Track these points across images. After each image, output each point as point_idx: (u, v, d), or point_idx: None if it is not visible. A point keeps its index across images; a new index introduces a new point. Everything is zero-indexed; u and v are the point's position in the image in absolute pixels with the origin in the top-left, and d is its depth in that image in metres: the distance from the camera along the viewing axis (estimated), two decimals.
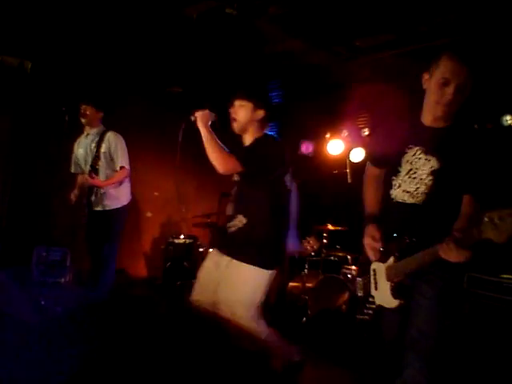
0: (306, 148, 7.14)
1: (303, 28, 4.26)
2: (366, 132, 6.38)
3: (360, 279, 2.69)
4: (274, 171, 2.94)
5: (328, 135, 6.74)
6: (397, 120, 2.57)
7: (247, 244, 2.85)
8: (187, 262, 6.32)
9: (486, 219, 1.81)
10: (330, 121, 6.65)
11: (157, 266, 6.70)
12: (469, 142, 2.29)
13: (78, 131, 6.00)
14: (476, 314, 3.90)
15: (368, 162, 2.74)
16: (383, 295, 2.44)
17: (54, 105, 5.86)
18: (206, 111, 3.25)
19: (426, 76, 2.31)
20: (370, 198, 2.62)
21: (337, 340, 4.26)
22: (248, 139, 3.16)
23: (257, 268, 2.79)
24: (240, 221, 2.95)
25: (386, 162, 2.51)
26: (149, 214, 6.88)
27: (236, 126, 3.19)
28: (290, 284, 5.41)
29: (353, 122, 6.56)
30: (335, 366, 3.91)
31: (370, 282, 2.56)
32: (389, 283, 2.37)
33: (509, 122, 5.02)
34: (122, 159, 4.75)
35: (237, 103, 3.21)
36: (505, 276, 3.92)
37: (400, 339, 2.39)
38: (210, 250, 3.46)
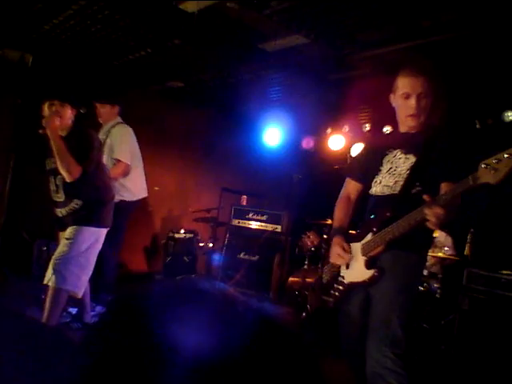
0: (307, 143, 7.15)
1: (304, 23, 4.25)
2: (367, 127, 6.37)
3: (327, 266, 2.83)
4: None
5: (329, 130, 6.75)
6: (378, 133, 2.87)
7: None
8: (187, 257, 6.34)
9: (482, 165, 2.01)
10: (331, 116, 6.65)
11: (157, 260, 6.72)
12: (442, 137, 2.48)
13: (80, 124, 6.00)
14: (475, 310, 3.91)
15: (348, 179, 2.87)
16: (355, 271, 2.55)
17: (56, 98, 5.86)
18: (52, 119, 3.55)
19: (392, 96, 2.61)
20: (341, 214, 2.79)
21: (336, 334, 4.26)
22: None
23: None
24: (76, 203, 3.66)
25: (368, 172, 2.67)
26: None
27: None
28: (290, 279, 5.42)
29: (354, 117, 6.56)
30: (335, 359, 3.91)
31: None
32: (363, 258, 2.50)
33: (510, 118, 5.02)
34: (119, 152, 4.79)
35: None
36: (504, 272, 3.93)
37: (362, 329, 2.46)
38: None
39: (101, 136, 4.85)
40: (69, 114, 3.65)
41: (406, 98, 2.48)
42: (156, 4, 4.21)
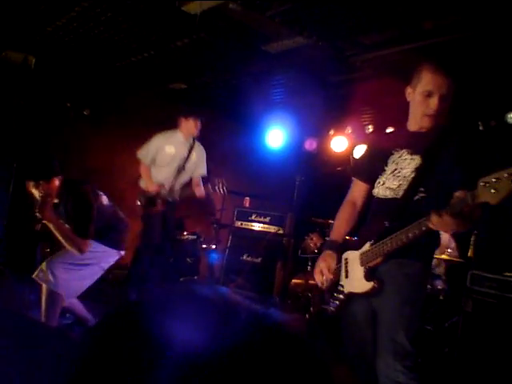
0: (310, 145, 7.14)
1: (307, 24, 4.24)
2: (370, 129, 6.37)
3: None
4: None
5: (332, 132, 6.74)
6: (383, 132, 2.76)
7: None
8: (190, 259, 6.33)
9: (480, 183, 1.89)
10: (334, 117, 6.64)
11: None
12: (452, 141, 2.35)
13: (82, 127, 6.02)
14: (479, 312, 3.90)
15: (354, 179, 2.75)
16: (355, 281, 2.47)
17: (59, 100, 5.87)
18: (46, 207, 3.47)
19: (409, 90, 2.44)
20: (341, 222, 2.68)
21: (338, 337, 4.25)
22: None
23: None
24: None
25: (373, 172, 2.57)
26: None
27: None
28: (293, 281, 5.41)
29: (357, 118, 6.55)
30: (337, 361, 3.90)
31: (339, 272, 2.58)
32: (362, 268, 2.41)
33: None
34: (205, 169, 5.29)
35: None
36: (508, 274, 3.91)
37: (368, 337, 2.41)
38: None
39: (185, 143, 5.17)
40: (57, 183, 3.56)
41: (427, 95, 2.31)
42: (158, 6, 4.21)
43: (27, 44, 5.34)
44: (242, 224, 6.25)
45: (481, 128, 5.22)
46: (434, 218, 2.04)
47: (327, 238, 2.80)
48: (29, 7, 4.51)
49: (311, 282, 5.09)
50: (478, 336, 3.83)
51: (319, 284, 2.59)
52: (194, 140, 5.22)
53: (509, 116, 5.01)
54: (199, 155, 5.24)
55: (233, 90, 6.35)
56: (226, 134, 7.31)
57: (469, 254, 4.48)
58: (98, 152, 6.25)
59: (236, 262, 6.04)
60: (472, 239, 4.48)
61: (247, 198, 6.76)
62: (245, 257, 6.03)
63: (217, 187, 5.17)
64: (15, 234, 5.46)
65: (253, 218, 6.20)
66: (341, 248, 2.60)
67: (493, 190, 1.85)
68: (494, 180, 1.85)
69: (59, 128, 5.91)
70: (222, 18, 4.26)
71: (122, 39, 5.06)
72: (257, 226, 6.16)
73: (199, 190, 5.12)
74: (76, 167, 5.86)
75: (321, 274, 2.56)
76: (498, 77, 4.71)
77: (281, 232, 5.95)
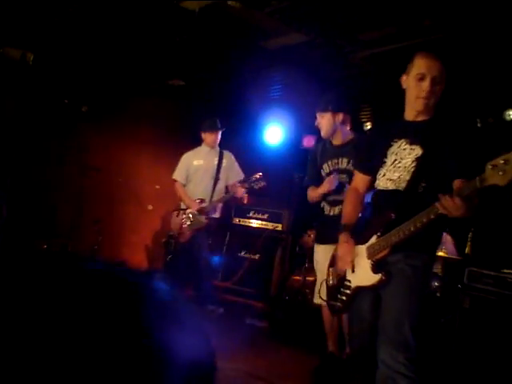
0: (308, 141, 7.13)
1: (305, 21, 4.24)
2: (368, 126, 6.36)
3: (332, 268, 2.77)
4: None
5: None
6: (381, 123, 2.81)
7: None
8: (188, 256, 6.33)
9: (489, 166, 1.92)
10: None
11: (157, 258, 6.71)
12: (449, 131, 2.40)
13: (80, 123, 6.00)
14: (476, 309, 3.91)
15: (355, 171, 2.81)
16: (362, 275, 2.49)
17: (57, 97, 5.87)
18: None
19: (404, 77, 2.54)
20: (349, 208, 2.73)
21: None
22: (337, 141, 4.04)
23: None
24: None
25: (373, 164, 2.60)
26: (150, 207, 6.88)
27: (323, 134, 4.04)
28: (291, 277, 5.42)
29: (354, 115, 6.54)
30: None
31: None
32: (369, 261, 2.44)
33: (511, 116, 5.01)
34: (240, 173, 5.44)
35: (318, 115, 4.02)
36: (506, 271, 3.92)
37: (372, 331, 2.43)
38: None
39: (211, 160, 5.37)
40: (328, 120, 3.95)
41: (420, 79, 2.41)
42: (157, 2, 4.20)
43: (25, 40, 5.32)
44: (239, 221, 6.26)
45: (479, 125, 5.23)
46: (447, 200, 2.05)
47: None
48: (27, 3, 4.49)
49: (309, 278, 5.10)
50: (475, 333, 3.85)
51: (340, 268, 2.61)
52: (220, 149, 5.44)
53: (507, 113, 5.02)
54: (229, 162, 5.41)
55: (231, 87, 6.34)
56: (223, 131, 7.30)
57: (466, 250, 4.49)
58: (96, 148, 6.24)
59: (234, 258, 6.04)
60: (469, 236, 4.49)
61: (245, 195, 6.76)
62: (242, 253, 6.03)
63: (253, 184, 5.22)
64: (12, 231, 5.46)
65: (251, 214, 6.21)
66: (352, 231, 2.62)
67: (501, 172, 1.88)
68: (502, 162, 1.89)
69: (56, 124, 5.90)
70: (220, 15, 4.26)
71: (120, 35, 5.05)
72: (255, 223, 6.16)
73: (240, 192, 5.21)
74: (74, 163, 5.87)
75: (343, 261, 2.58)
76: (496, 74, 4.71)
77: (279, 229, 5.96)
